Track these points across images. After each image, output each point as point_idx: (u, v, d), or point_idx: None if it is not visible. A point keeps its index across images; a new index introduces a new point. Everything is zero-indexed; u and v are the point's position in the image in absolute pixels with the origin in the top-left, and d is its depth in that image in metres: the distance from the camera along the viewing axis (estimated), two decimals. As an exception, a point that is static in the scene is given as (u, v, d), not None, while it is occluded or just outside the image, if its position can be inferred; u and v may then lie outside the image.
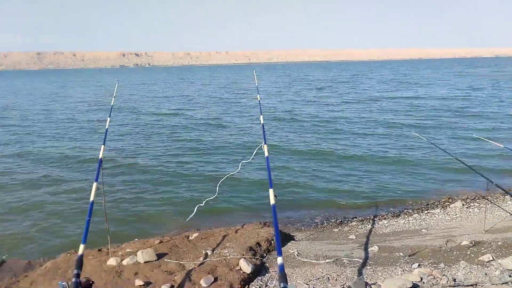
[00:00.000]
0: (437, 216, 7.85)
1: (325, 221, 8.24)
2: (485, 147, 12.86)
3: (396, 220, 7.93)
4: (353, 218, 8.36)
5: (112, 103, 6.86)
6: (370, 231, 7.26)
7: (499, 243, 5.52)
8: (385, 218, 8.13)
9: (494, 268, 4.52)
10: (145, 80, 74.52)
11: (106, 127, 5.64)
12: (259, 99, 7.46)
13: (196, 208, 7.15)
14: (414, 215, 8.14)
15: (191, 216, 7.30)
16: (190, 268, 5.32)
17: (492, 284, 3.94)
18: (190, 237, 6.64)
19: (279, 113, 23.10)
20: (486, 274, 4.35)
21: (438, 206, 8.73)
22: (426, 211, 8.39)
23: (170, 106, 28.68)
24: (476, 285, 3.97)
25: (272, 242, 6.26)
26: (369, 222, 7.94)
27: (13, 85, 69.22)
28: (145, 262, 5.53)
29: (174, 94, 40.03)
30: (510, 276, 4.10)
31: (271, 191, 3.65)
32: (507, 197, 8.49)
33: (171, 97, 35.86)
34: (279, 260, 2.68)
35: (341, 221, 8.21)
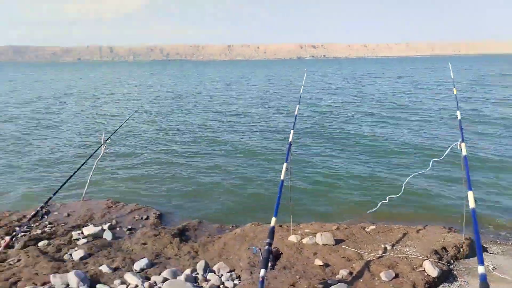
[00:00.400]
0: None
1: (520, 238, 7.01)
2: None
3: None
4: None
5: (300, 91, 7.26)
6: None
7: None
8: None
9: None
10: (321, 72, 75.88)
11: (296, 113, 6.04)
12: (455, 93, 6.81)
13: (379, 204, 7.03)
14: None
15: (372, 210, 7.22)
16: (368, 259, 5.29)
17: None
18: (366, 229, 6.57)
19: (482, 110, 20.38)
20: None
21: None
22: None
23: (347, 98, 28.53)
24: None
25: (461, 249, 5.69)
26: None
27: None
28: (323, 245, 5.74)
29: (346, 86, 39.69)
30: None
31: (470, 193, 3.31)
32: None
33: (346, 89, 35.69)
34: (481, 269, 2.43)
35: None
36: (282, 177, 4.18)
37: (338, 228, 6.54)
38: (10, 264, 4.65)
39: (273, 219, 3.67)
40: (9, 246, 5.13)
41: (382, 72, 70.43)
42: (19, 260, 4.78)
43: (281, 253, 4.03)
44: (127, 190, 9.55)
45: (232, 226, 7.40)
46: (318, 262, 5.14)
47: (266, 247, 3.30)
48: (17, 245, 5.36)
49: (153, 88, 41.70)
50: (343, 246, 5.73)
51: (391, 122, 17.85)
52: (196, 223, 7.42)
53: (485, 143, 13.19)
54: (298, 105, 6.36)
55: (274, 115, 20.78)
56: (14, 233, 5.32)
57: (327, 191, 9.44)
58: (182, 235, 6.68)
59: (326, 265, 5.11)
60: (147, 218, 7.34)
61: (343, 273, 4.85)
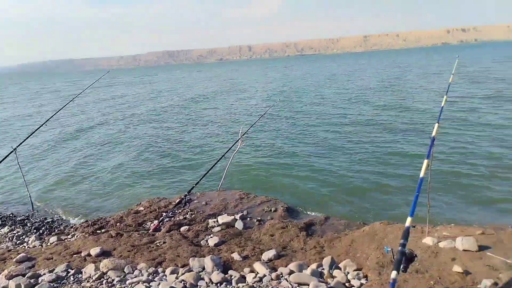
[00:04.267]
0: None
1: None
2: None
3: None
4: None
5: (450, 81, 6.59)
6: None
7: None
8: None
9: None
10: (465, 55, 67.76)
11: (442, 105, 5.54)
12: None
13: None
14: None
15: None
16: (523, 270, 4.58)
17: None
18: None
19: None
20: None
21: None
22: None
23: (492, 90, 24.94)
24: None
25: None
26: None
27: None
28: (463, 250, 5.18)
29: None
30: None
31: None
32: None
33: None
34: None
35: None
36: (422, 174, 3.89)
37: (483, 233, 5.82)
38: (157, 246, 5.33)
39: (409, 219, 3.45)
40: (157, 229, 5.88)
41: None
42: (164, 242, 5.44)
43: (416, 256, 3.78)
44: (259, 182, 10.04)
45: (360, 223, 7.20)
46: (457, 268, 4.65)
47: (400, 248, 3.13)
48: (163, 229, 6.10)
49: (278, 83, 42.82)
50: (488, 253, 5.08)
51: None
52: (323, 217, 7.42)
53: None
54: (446, 96, 5.81)
55: (413, 108, 19.34)
56: (161, 218, 6.07)
57: (472, 190, 8.48)
58: (309, 229, 6.75)
59: (466, 272, 4.60)
60: (276, 210, 7.60)
61: (486, 283, 4.31)
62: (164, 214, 6.63)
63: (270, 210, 7.61)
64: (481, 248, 5.22)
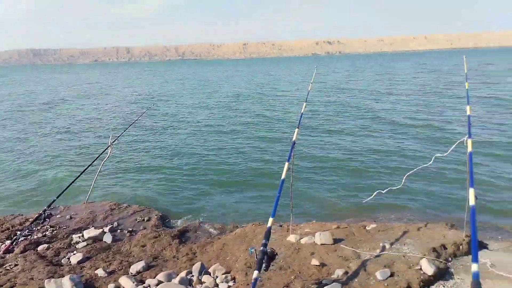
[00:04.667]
0: None
1: (525, 235, 6.93)
2: None
3: None
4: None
5: (309, 89, 7.19)
6: None
7: None
8: None
9: None
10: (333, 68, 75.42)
11: (302, 111, 6.01)
12: (467, 87, 6.74)
13: (375, 192, 6.98)
14: None
15: (368, 199, 7.18)
16: (366, 258, 5.26)
17: None
18: (367, 227, 6.54)
19: (494, 105, 20.22)
20: None
21: None
22: None
23: (363, 92, 28.31)
24: None
25: (461, 247, 5.63)
26: None
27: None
28: (321, 244, 5.73)
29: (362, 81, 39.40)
30: None
31: (471, 190, 3.29)
32: None
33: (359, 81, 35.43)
34: (474, 267, 2.42)
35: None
36: (283, 176, 4.17)
37: (338, 227, 6.52)
38: (7, 270, 4.74)
39: (270, 220, 3.68)
40: (8, 251, 5.21)
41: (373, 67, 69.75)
42: (16, 265, 4.86)
43: (276, 254, 4.04)
44: (131, 191, 9.64)
45: (233, 227, 7.43)
46: (315, 262, 5.13)
47: (261, 248, 3.32)
48: (17, 250, 5.44)
49: (159, 88, 41.97)
50: (341, 245, 5.71)
51: (394, 117, 17.73)
52: (197, 224, 7.47)
53: (491, 140, 13.00)
54: (305, 103, 6.29)
55: (277, 115, 20.74)
56: (15, 237, 5.40)
57: (329, 188, 9.44)
58: (182, 236, 6.73)
59: (323, 265, 5.10)
60: (149, 219, 7.40)
61: (338, 272, 4.84)
62: (18, 233, 5.91)
63: (143, 220, 7.38)
64: (336, 241, 5.85)
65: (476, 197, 4.28)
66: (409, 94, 26.56)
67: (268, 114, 20.89)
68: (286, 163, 4.40)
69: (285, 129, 16.46)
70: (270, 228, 3.59)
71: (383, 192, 6.87)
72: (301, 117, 5.85)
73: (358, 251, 5.50)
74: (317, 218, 7.61)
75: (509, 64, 56.51)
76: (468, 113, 5.41)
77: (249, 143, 14.30)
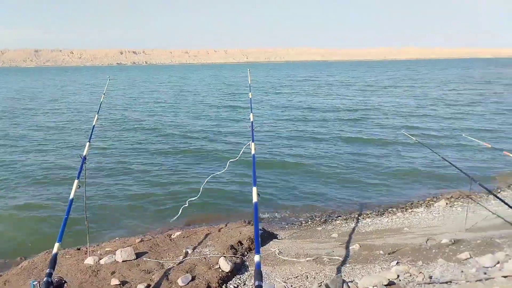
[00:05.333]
0: (420, 215, 7.87)
1: (309, 220, 8.23)
2: (472, 147, 12.94)
3: (379, 218, 7.93)
4: (337, 216, 8.36)
5: (101, 100, 6.77)
6: (353, 229, 7.25)
7: (478, 241, 5.54)
8: (369, 217, 8.13)
9: (470, 265, 4.52)
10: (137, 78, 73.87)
11: (93, 123, 5.62)
12: (251, 97, 7.48)
13: (181, 209, 7.11)
14: (398, 214, 8.16)
15: (175, 217, 7.26)
16: (169, 267, 5.27)
17: (466, 282, 3.94)
18: (172, 236, 6.59)
19: (271, 112, 23.16)
20: (462, 271, 4.35)
21: (422, 205, 8.75)
22: (410, 210, 8.41)
23: (158, 106, 28.45)
24: (451, 282, 3.97)
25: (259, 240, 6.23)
26: (353, 220, 7.94)
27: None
28: (123, 261, 5.47)
29: (162, 93, 39.81)
30: (485, 274, 4.11)
31: (254, 189, 3.65)
32: (491, 196, 8.53)
33: (156, 96, 35.65)
34: (256, 258, 2.68)
35: (326, 219, 8.20)
36: (71, 196, 3.78)
37: (141, 241, 6.35)
38: None
39: (56, 245, 3.25)
40: None
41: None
42: None
43: (65, 282, 3.62)
44: None
45: (21, 259, 6.44)
46: (115, 281, 4.85)
47: (44, 279, 2.90)
48: None
49: None
50: (144, 258, 5.58)
51: (191, 128, 18.58)
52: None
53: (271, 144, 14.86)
54: (97, 115, 5.92)
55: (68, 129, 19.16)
56: None
57: (130, 205, 9.13)
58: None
59: (124, 282, 4.87)
60: None
61: (140, 287, 4.70)
62: None
63: None
64: (139, 255, 5.68)
65: (258, 194, 4.79)
66: (196, 106, 27.97)
67: (55, 125, 19.09)
68: (76, 181, 4.03)
69: (74, 143, 15.27)
70: (55, 254, 3.19)
71: (186, 205, 7.06)
72: (92, 129, 5.52)
73: (161, 261, 5.47)
74: (121, 236, 7.27)
75: (288, 78, 66.37)
76: (251, 119, 6.07)
77: (28, 159, 12.71)
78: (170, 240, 6.39)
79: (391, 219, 7.76)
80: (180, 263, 5.37)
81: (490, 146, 9.29)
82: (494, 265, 4.39)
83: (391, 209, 8.71)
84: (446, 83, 44.33)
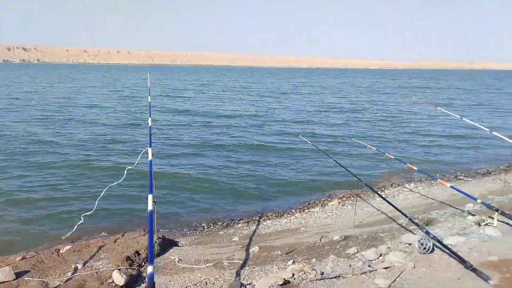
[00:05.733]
0: (316, 214, 8.32)
1: (211, 225, 8.19)
2: (361, 150, 14.10)
3: (279, 220, 8.21)
4: (239, 220, 8.45)
5: None
6: (254, 232, 7.38)
7: (364, 236, 6.01)
8: (269, 219, 8.36)
9: (357, 259, 4.87)
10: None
11: None
12: (150, 100, 7.18)
13: (76, 226, 6.54)
14: (296, 214, 8.52)
15: (69, 233, 6.66)
16: (55, 285, 4.81)
17: (353, 275, 4.23)
18: (60, 251, 6.04)
19: (173, 117, 22.74)
20: (350, 265, 4.66)
21: (318, 205, 9.26)
22: (307, 210, 8.84)
23: (39, 110, 26.05)
24: (340, 276, 4.23)
25: (153, 249, 5.99)
26: (254, 223, 8.10)
27: None
28: (1, 283, 4.85)
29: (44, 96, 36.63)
30: (369, 266, 4.46)
31: (150, 196, 3.50)
32: (376, 194, 9.39)
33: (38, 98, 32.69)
34: (149, 269, 2.53)
35: (228, 223, 8.23)
36: None
37: (23, 258, 5.70)
38: None
39: None
40: None
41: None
42: None
43: None
44: None
45: None
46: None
47: None
48: None
49: None
50: (26, 278, 5.01)
51: (86, 137, 17.41)
52: None
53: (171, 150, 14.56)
54: None
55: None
56: None
57: (16, 220, 8.19)
58: None
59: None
60: None
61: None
62: None
63: None
64: (20, 274, 5.08)
65: (155, 202, 4.62)
66: (87, 111, 26.66)
67: None
68: None
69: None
70: None
71: (82, 221, 6.53)
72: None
73: (46, 280, 4.96)
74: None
75: (192, 82, 66.02)
76: (149, 124, 5.86)
77: None
78: (58, 255, 5.85)
79: (290, 220, 8.08)
80: (67, 280, 4.93)
81: (375, 149, 10.24)
82: (378, 258, 4.79)
83: (290, 210, 9.07)
84: (340, 90, 47.96)
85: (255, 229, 7.57)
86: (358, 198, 9.08)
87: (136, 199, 9.30)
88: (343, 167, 7.48)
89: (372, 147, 10.53)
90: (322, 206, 9.14)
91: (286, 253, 5.62)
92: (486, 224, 5.48)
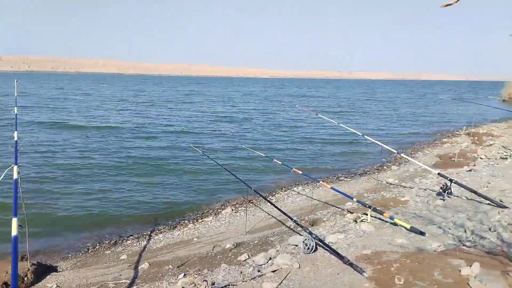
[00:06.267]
0: (209, 224, 8.28)
1: (97, 244, 7.60)
2: (252, 158, 14.47)
3: (172, 232, 7.97)
4: (129, 236, 7.99)
5: None
6: (144, 247, 7.05)
7: (256, 242, 6.15)
8: (161, 232, 8.07)
9: (248, 265, 4.95)
10: None
11: None
12: (16, 112, 6.42)
13: None
14: (189, 225, 8.37)
15: None
16: None
17: (243, 282, 4.28)
18: None
19: (45, 129, 20.74)
20: (241, 272, 4.72)
21: (212, 213, 9.22)
22: (200, 220, 8.74)
23: None
24: (230, 285, 4.24)
25: (25, 278, 5.33)
26: (145, 238, 7.73)
27: None
28: None
29: None
30: (259, 271, 4.55)
31: (14, 220, 3.08)
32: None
33: None
34: None
35: (116, 241, 7.72)
36: None
37: None
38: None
39: None
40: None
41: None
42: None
43: None
44: None
45: None
46: None
47: None
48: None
49: None
50: None
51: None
52: None
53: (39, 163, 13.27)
54: None
55: None
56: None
57: None
58: None
59: None
60: None
61: None
62: None
63: None
64: None
65: (20, 226, 4.11)
66: None
67: None
68: None
69: None
70: None
71: None
72: None
73: None
74: None
75: (72, 90, 61.42)
76: (15, 138, 5.22)
77: None
78: None
79: (183, 232, 7.90)
80: None
81: (264, 155, 10.62)
82: (267, 262, 4.93)
83: (183, 221, 8.87)
84: (230, 99, 48.94)
85: (146, 245, 7.23)
86: (251, 204, 9.28)
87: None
88: (233, 175, 7.59)
89: (261, 154, 10.89)
90: (215, 214, 9.13)
91: (178, 267, 5.47)
92: (362, 221, 6.02)
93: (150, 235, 7.91)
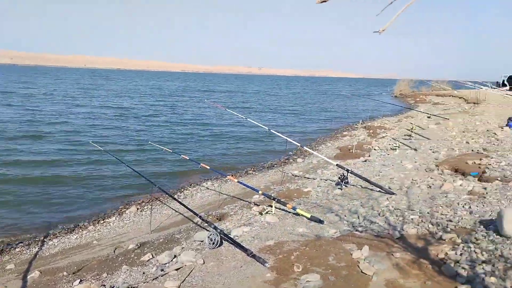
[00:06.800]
0: (111, 225, 7.83)
1: (-21, 255, 6.73)
2: (159, 154, 14.01)
3: (68, 236, 7.37)
4: (18, 243, 7.21)
5: None
6: (36, 254, 6.42)
7: (161, 240, 5.96)
8: (56, 237, 7.41)
9: (152, 265, 4.76)
10: None
11: None
12: None
13: None
14: (89, 228, 7.82)
15: None
16: None
17: (145, 283, 4.10)
18: None
19: None
20: (144, 273, 4.52)
21: (115, 214, 8.74)
22: (102, 221, 8.23)
23: None
24: (130, 287, 4.04)
25: None
26: (37, 244, 7.04)
27: None
28: None
29: None
30: (162, 270, 4.40)
31: None
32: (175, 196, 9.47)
33: None
34: None
35: (2, 249, 6.91)
36: None
37: None
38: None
39: None
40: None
41: None
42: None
43: None
44: None
45: None
46: None
47: None
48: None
49: None
50: None
51: None
52: None
53: None
54: None
55: None
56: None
57: None
58: None
59: None
60: None
61: None
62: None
63: None
64: None
65: None
66: None
67: None
68: None
69: None
70: None
71: None
72: None
73: None
74: None
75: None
76: None
77: None
78: None
79: (81, 235, 7.36)
80: None
81: (171, 151, 10.35)
82: (171, 260, 4.78)
83: (82, 224, 8.26)
84: (139, 94, 46.97)
85: (38, 252, 6.59)
86: (158, 202, 8.99)
87: None
88: (136, 172, 7.26)
89: (168, 150, 10.60)
90: (119, 214, 8.66)
91: (73, 273, 5.07)
92: (267, 213, 6.17)
93: (43, 241, 7.23)
